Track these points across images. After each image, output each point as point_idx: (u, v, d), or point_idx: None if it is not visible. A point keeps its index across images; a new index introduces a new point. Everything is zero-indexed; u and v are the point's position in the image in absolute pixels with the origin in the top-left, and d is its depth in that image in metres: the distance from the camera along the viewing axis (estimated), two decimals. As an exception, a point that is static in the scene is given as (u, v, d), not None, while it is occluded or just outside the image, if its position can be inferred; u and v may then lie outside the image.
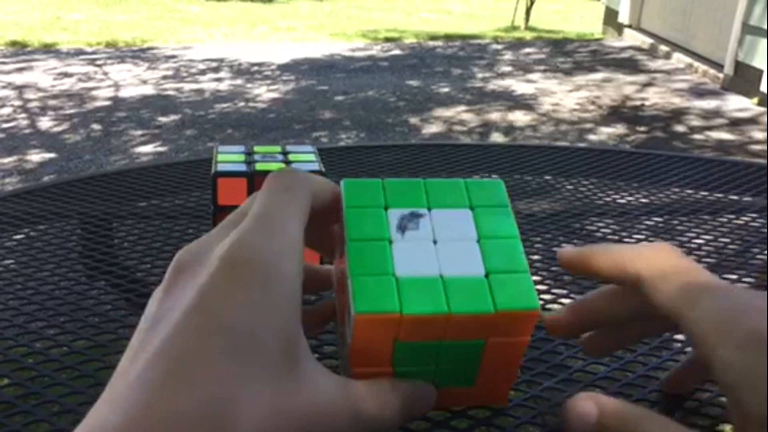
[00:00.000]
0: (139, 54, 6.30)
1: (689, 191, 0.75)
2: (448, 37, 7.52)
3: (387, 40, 7.36)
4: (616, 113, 4.42)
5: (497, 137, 3.89)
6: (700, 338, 0.26)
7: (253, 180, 0.51)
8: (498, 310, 0.28)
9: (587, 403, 0.27)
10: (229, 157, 0.53)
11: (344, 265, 0.29)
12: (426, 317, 0.27)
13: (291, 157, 0.55)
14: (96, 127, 3.98)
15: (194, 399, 0.21)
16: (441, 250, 0.29)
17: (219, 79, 5.25)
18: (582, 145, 3.65)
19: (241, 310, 0.23)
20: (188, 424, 0.21)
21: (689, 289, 0.28)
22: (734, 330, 0.25)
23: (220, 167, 0.51)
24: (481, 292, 0.28)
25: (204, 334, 0.23)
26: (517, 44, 7.23)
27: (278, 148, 0.57)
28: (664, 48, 6.41)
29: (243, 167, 0.52)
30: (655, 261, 0.30)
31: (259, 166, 0.52)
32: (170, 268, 0.27)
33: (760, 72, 4.69)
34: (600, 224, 0.65)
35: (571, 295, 0.50)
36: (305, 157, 0.55)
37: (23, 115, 4.21)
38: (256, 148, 0.56)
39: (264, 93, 4.86)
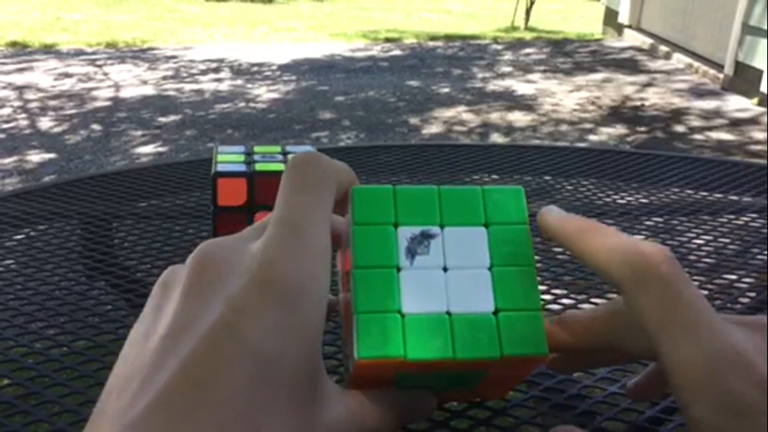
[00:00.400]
0: (139, 54, 6.30)
1: (689, 191, 0.75)
2: (448, 38, 7.52)
3: (387, 40, 7.36)
4: (616, 113, 4.42)
5: (497, 138, 3.89)
6: (676, 387, 0.25)
7: (253, 180, 0.51)
8: (504, 356, 0.27)
9: None
10: (229, 158, 0.53)
11: (349, 272, 0.29)
12: (429, 361, 0.27)
13: (291, 157, 0.55)
14: (96, 127, 3.98)
15: (217, 427, 0.21)
16: (451, 281, 0.28)
17: (219, 80, 5.25)
18: (582, 145, 3.65)
19: (269, 335, 0.23)
20: None
21: (671, 325, 0.25)
22: (710, 389, 0.24)
23: (220, 167, 0.51)
24: (488, 334, 0.27)
25: (231, 359, 0.22)
26: (517, 44, 7.23)
27: (278, 149, 0.57)
28: (664, 48, 6.41)
29: (243, 167, 0.52)
30: (642, 272, 0.26)
31: (258, 167, 0.52)
32: (193, 263, 0.25)
33: (760, 72, 4.69)
34: (600, 224, 0.65)
35: (571, 296, 0.50)
36: (305, 158, 0.55)
37: (23, 115, 4.21)
38: (256, 149, 0.56)
39: (264, 93, 4.86)
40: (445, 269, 0.28)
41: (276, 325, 0.23)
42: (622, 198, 0.73)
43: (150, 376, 0.22)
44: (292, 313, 0.23)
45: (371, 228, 0.29)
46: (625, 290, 0.26)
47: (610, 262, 0.27)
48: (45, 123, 4.05)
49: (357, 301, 0.27)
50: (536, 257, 0.58)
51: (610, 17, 7.98)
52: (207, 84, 5.10)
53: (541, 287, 0.52)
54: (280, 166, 0.52)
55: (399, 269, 0.28)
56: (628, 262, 0.26)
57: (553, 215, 0.30)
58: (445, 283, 0.28)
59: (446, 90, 5.02)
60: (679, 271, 0.26)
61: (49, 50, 6.41)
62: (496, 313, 0.28)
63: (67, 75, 5.33)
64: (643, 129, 4.08)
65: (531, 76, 5.55)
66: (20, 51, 6.35)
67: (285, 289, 0.23)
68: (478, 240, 0.29)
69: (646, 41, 6.91)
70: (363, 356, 0.26)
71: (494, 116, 4.32)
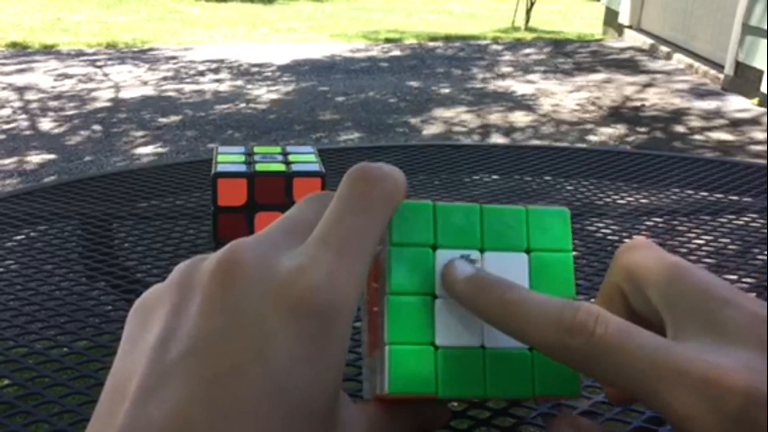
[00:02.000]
0: (140, 55, 6.31)
1: (689, 192, 0.75)
2: (448, 38, 7.53)
3: (387, 40, 7.36)
4: (617, 114, 4.42)
5: (498, 138, 3.89)
6: (677, 417, 0.22)
7: (253, 180, 0.51)
8: (536, 396, 0.27)
9: (569, 430, 0.26)
10: (229, 158, 0.54)
11: (379, 286, 0.28)
12: (461, 398, 0.27)
13: (291, 157, 0.55)
14: (96, 128, 3.98)
15: None
16: None
17: (219, 80, 5.25)
18: (582, 145, 3.65)
19: (296, 367, 0.22)
20: None
21: (638, 384, 0.23)
22: (719, 413, 0.22)
23: (221, 168, 0.51)
24: (522, 372, 0.27)
25: (258, 390, 0.21)
26: (518, 45, 7.23)
27: (278, 149, 0.57)
28: (664, 49, 6.41)
29: (243, 168, 0.52)
30: (580, 348, 0.23)
31: (259, 167, 0.52)
32: (220, 266, 0.23)
33: (761, 72, 4.69)
34: (600, 225, 0.65)
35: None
36: (305, 158, 0.55)
37: (24, 116, 4.21)
38: (256, 149, 0.56)
39: (264, 94, 4.86)
40: None
41: (304, 358, 0.22)
42: (622, 198, 0.73)
43: (170, 392, 0.21)
44: (320, 346, 0.23)
45: (409, 250, 0.27)
46: (579, 370, 0.25)
47: (547, 347, 0.24)
48: (45, 124, 4.05)
49: (390, 331, 0.26)
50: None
51: (611, 18, 7.98)
52: (207, 85, 5.11)
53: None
54: (281, 167, 0.52)
55: (435, 296, 0.27)
56: (563, 346, 0.24)
57: (461, 282, 0.27)
58: None
59: (446, 90, 5.02)
60: (613, 326, 0.23)
61: (49, 51, 6.41)
62: (531, 349, 0.27)
63: (67, 76, 5.33)
64: (643, 129, 4.08)
65: (531, 77, 5.55)
66: (20, 52, 6.36)
67: (315, 321, 0.23)
68: (518, 267, 0.28)
69: (646, 41, 6.91)
70: (394, 391, 0.26)
71: (494, 117, 4.32)
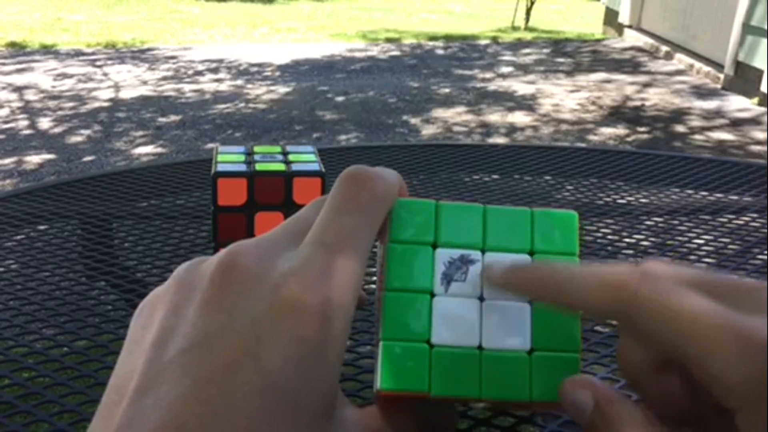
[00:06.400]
0: (139, 55, 6.30)
1: (689, 191, 0.75)
2: (448, 38, 7.52)
3: (387, 40, 7.36)
4: (617, 114, 4.42)
5: (498, 138, 3.89)
6: (716, 397, 0.21)
7: (253, 180, 0.51)
8: (533, 401, 0.26)
9: (584, 394, 0.25)
10: (229, 158, 0.53)
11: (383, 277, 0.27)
12: (454, 398, 0.26)
13: (291, 157, 0.55)
14: (96, 128, 3.98)
15: None
16: (486, 312, 0.27)
17: (219, 80, 5.25)
18: (582, 145, 3.65)
19: (290, 367, 0.22)
20: None
21: (686, 344, 0.22)
22: (757, 394, 0.21)
23: (220, 167, 0.51)
24: (519, 375, 0.26)
25: (250, 389, 0.21)
26: (518, 44, 7.23)
27: (278, 149, 0.57)
28: (664, 48, 6.41)
29: (243, 167, 0.52)
30: (627, 307, 0.23)
31: (259, 167, 0.52)
32: (219, 268, 0.24)
33: (761, 72, 4.69)
34: (600, 224, 0.65)
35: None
36: (305, 158, 0.55)
37: (23, 116, 4.21)
38: (256, 149, 0.56)
39: (264, 94, 4.86)
40: (481, 299, 0.27)
41: (298, 357, 0.22)
42: (622, 198, 0.73)
43: (164, 390, 0.21)
44: (315, 347, 0.23)
45: (408, 247, 0.27)
46: (625, 329, 0.25)
47: (596, 307, 0.24)
48: (45, 123, 4.05)
49: (385, 327, 0.26)
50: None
51: (611, 17, 7.98)
52: (207, 84, 5.11)
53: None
54: (281, 166, 0.52)
55: (433, 295, 0.27)
56: (610, 301, 0.23)
57: (502, 271, 0.27)
58: (480, 314, 0.27)
59: (446, 90, 5.02)
60: (661, 286, 0.23)
61: (48, 51, 6.41)
62: (531, 352, 0.26)
63: (67, 75, 5.33)
64: (643, 129, 4.08)
65: (531, 77, 5.55)
66: (19, 51, 6.35)
67: (310, 321, 0.23)
68: None
69: (646, 41, 6.91)
70: (385, 388, 0.25)
71: (494, 117, 4.32)
